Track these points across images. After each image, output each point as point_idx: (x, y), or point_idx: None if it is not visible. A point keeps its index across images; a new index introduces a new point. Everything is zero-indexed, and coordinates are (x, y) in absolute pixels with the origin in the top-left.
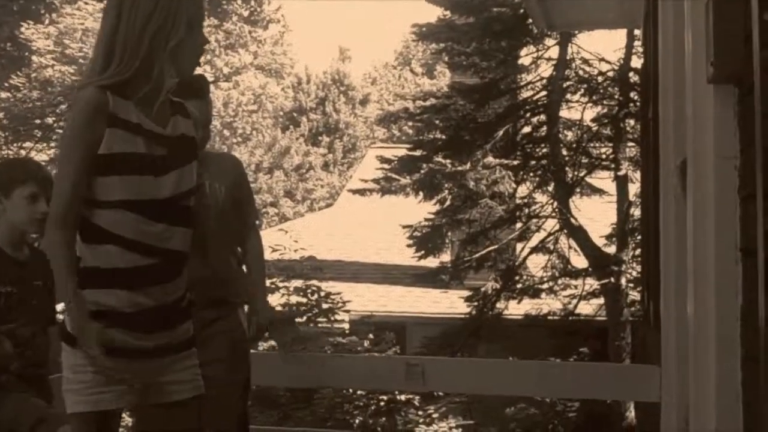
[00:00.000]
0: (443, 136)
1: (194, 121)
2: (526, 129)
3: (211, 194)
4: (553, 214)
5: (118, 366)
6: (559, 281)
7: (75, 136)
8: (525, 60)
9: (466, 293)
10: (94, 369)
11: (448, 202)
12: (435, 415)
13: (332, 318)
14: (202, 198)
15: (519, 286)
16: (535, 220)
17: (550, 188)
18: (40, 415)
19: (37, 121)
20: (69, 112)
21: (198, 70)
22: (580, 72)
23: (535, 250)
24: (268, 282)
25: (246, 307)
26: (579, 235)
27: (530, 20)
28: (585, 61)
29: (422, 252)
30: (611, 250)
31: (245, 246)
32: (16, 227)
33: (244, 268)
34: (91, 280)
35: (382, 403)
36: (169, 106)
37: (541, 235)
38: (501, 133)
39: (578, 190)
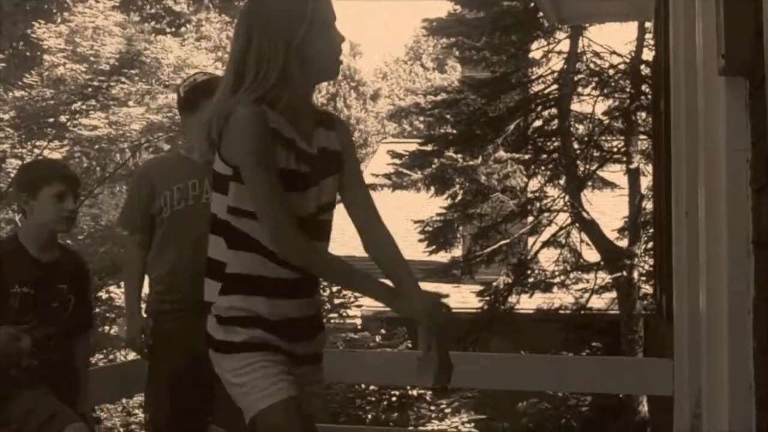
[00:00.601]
0: (454, 131)
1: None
2: (537, 123)
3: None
4: (565, 208)
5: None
6: (571, 275)
7: (260, 152)
8: (536, 54)
9: (477, 288)
10: (262, 364)
11: (459, 197)
12: (447, 410)
13: (344, 314)
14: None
15: (531, 280)
16: (546, 214)
17: (562, 182)
18: (52, 412)
19: (50, 120)
20: (229, 132)
21: (209, 68)
22: (591, 65)
23: (546, 244)
24: None
25: None
26: (591, 228)
27: (541, 14)
28: (596, 54)
29: (434, 247)
30: (623, 243)
31: None
32: (45, 227)
33: None
34: (237, 285)
35: (394, 399)
36: (313, 119)
37: (553, 229)
38: (512, 127)
39: (590, 183)
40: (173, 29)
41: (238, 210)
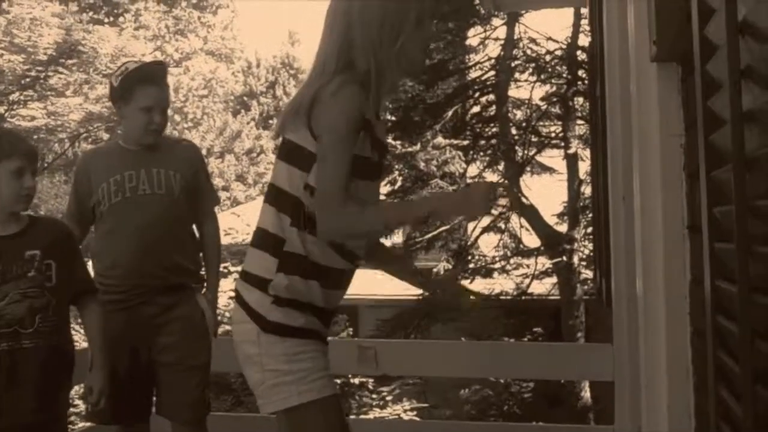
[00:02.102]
0: (393, 118)
1: None
2: (476, 109)
3: (165, 183)
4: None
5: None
6: (512, 260)
7: (349, 131)
8: (473, 40)
9: None
10: (313, 354)
11: (398, 183)
12: (389, 398)
13: None
14: (156, 188)
15: (471, 266)
16: None
17: (501, 167)
18: None
19: None
20: (329, 104)
21: (147, 57)
22: (528, 51)
23: (486, 229)
24: (221, 266)
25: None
26: (530, 213)
27: (477, 1)
28: (533, 41)
29: None
30: (563, 228)
31: (202, 233)
32: (1, 204)
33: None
34: (295, 266)
35: None
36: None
37: (492, 214)
38: (450, 113)
39: (528, 168)
40: (111, 19)
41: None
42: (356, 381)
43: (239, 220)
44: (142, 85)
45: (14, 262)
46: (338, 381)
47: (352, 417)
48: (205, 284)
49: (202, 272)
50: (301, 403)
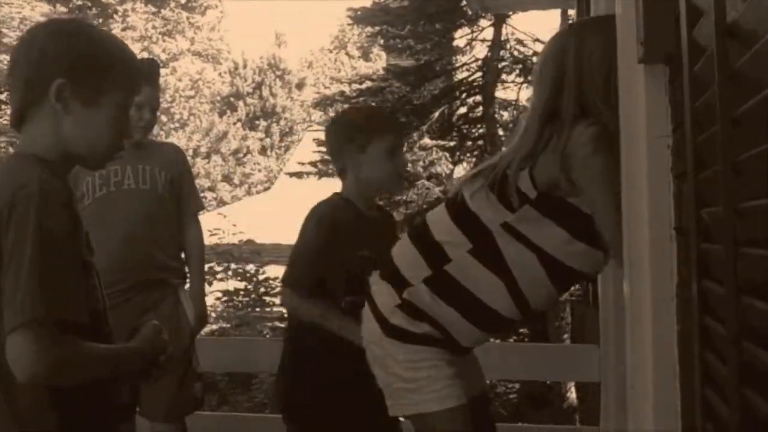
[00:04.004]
0: None
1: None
2: (462, 110)
3: (150, 179)
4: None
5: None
6: None
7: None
8: (460, 42)
9: None
10: (435, 362)
11: None
12: None
13: (270, 302)
14: (140, 183)
15: None
16: None
17: None
18: None
19: None
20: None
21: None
22: (515, 53)
23: None
24: (206, 267)
25: (187, 287)
26: None
27: (464, 2)
28: (519, 42)
29: None
30: None
31: (185, 234)
32: (372, 185)
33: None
34: (448, 291)
35: None
36: None
37: None
38: (437, 114)
39: None
40: (100, 20)
41: (517, 232)
42: None
43: (225, 220)
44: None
45: (378, 253)
46: None
47: None
48: (188, 284)
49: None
50: (420, 413)
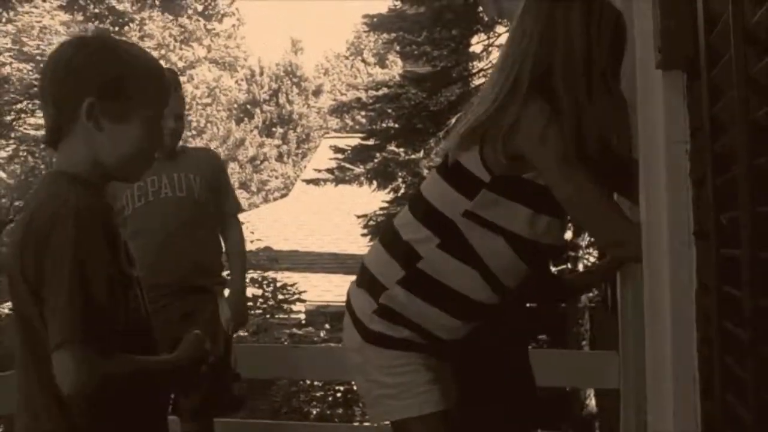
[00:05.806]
0: (396, 125)
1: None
2: None
3: (186, 185)
4: None
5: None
6: None
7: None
8: (476, 48)
9: None
10: (415, 367)
11: (402, 191)
12: None
13: (288, 309)
14: (177, 191)
15: None
16: None
17: None
18: None
19: None
20: None
21: None
22: None
23: None
24: (223, 275)
25: (227, 292)
26: None
27: (480, 8)
28: None
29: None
30: (567, 235)
31: (225, 236)
32: None
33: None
34: (424, 289)
35: (339, 394)
36: None
37: None
38: (453, 120)
39: None
40: (117, 28)
41: (480, 219)
42: None
43: (244, 227)
44: None
45: None
46: (341, 388)
47: (355, 424)
48: (228, 287)
49: (226, 273)
50: (401, 419)
